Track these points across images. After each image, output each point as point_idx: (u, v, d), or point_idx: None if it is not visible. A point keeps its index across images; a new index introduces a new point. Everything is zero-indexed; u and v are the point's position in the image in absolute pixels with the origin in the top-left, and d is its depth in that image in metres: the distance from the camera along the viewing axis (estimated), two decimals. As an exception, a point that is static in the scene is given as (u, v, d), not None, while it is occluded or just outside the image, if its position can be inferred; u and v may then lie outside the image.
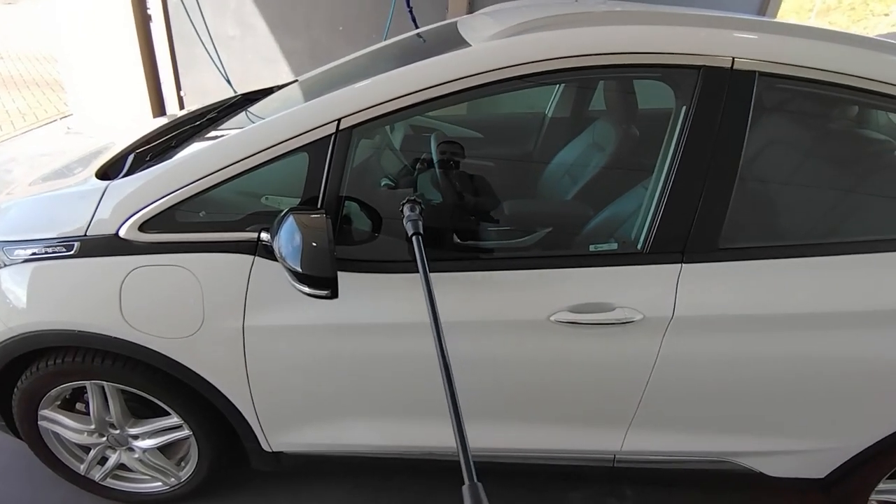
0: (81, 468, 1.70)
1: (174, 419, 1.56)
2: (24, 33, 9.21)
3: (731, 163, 1.27)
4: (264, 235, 1.30)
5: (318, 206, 1.30)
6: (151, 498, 1.77)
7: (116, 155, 1.69)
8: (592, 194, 1.77)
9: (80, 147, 2.13)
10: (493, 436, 1.52)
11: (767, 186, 1.48)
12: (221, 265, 1.33)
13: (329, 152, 1.29)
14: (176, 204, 1.32)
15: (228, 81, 3.98)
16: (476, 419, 1.43)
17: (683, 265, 1.31)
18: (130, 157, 1.62)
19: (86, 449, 1.69)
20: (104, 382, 1.49)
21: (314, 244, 1.14)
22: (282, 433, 1.55)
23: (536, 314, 1.32)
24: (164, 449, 1.68)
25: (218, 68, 3.98)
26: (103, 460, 1.71)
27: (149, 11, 4.18)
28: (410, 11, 3.33)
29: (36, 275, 1.38)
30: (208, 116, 1.93)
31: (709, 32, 1.30)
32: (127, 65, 4.33)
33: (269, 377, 1.42)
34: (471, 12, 2.68)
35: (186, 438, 1.60)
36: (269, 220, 1.26)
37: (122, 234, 1.33)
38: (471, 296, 1.34)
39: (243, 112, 1.86)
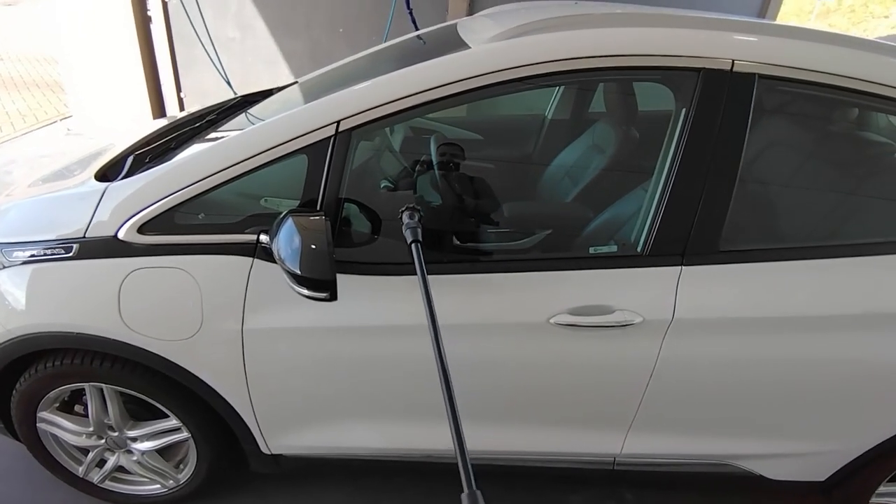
0: (80, 470, 1.70)
1: (173, 421, 1.55)
2: (25, 35, 9.22)
3: (731, 165, 1.27)
4: (263, 237, 1.30)
5: (318, 208, 1.30)
6: (150, 500, 1.76)
7: (116, 157, 1.69)
8: (592, 196, 1.77)
9: (79, 148, 2.13)
10: (492, 438, 1.52)
11: (768, 189, 1.48)
12: (220, 267, 1.32)
13: (328, 154, 1.28)
14: (175, 206, 1.32)
15: (228, 83, 3.98)
16: (475, 422, 1.43)
17: (683, 267, 1.31)
18: (130, 159, 1.62)
19: (84, 451, 1.69)
20: (103, 385, 1.49)
21: (313, 246, 1.14)
22: (281, 435, 1.54)
23: (536, 317, 1.32)
24: (162, 451, 1.67)
25: (218, 70, 3.98)
26: (102, 462, 1.71)
27: (149, 13, 4.19)
28: (410, 13, 3.34)
29: (35, 277, 1.38)
30: (208, 118, 1.93)
31: (709, 35, 1.30)
32: (127, 66, 4.34)
33: (268, 379, 1.42)
34: (471, 14, 2.68)
35: (185, 441, 1.60)
36: (269, 223, 1.26)
37: (121, 235, 1.33)
38: (470, 298, 1.34)
39: (243, 114, 1.86)
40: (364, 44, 2.49)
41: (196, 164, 1.34)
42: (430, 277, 1.16)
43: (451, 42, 1.55)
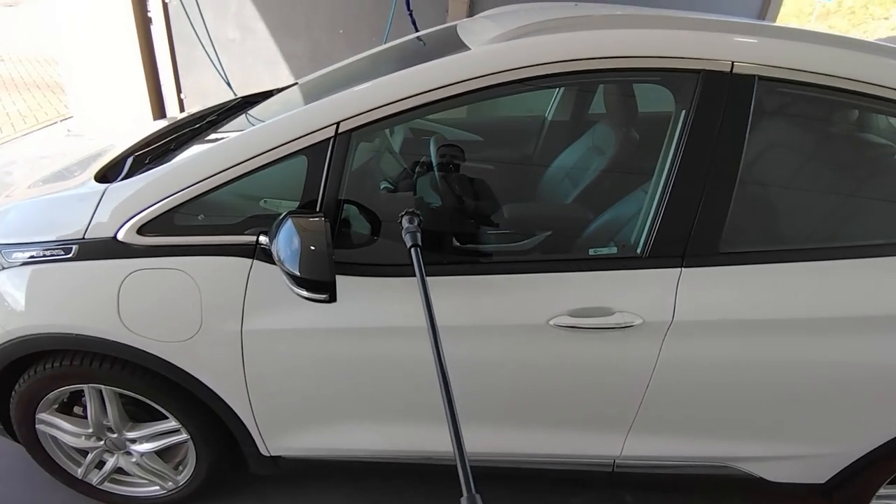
0: (79, 472, 1.70)
1: (172, 423, 1.55)
2: (25, 35, 9.22)
3: (731, 167, 1.27)
4: (263, 239, 1.30)
5: (317, 209, 1.30)
6: (149, 502, 1.76)
7: (115, 158, 1.69)
8: (592, 198, 1.77)
9: (80, 149, 2.13)
10: (492, 440, 1.51)
11: (768, 190, 1.48)
12: (220, 268, 1.32)
13: (328, 155, 1.28)
14: (174, 207, 1.32)
15: (229, 84, 3.98)
16: (475, 424, 1.43)
17: (683, 269, 1.30)
18: (129, 160, 1.62)
19: (83, 453, 1.68)
20: (102, 386, 1.49)
21: (312, 248, 1.14)
22: (280, 437, 1.54)
23: (536, 318, 1.32)
24: (161, 453, 1.67)
25: (218, 71, 3.98)
26: (101, 464, 1.70)
27: (149, 14, 4.19)
28: (410, 14, 3.34)
29: (34, 278, 1.38)
30: (207, 119, 1.93)
31: (708, 36, 1.30)
32: (127, 67, 4.34)
33: (268, 381, 1.42)
34: (471, 15, 2.68)
35: (184, 442, 1.60)
36: (268, 224, 1.26)
37: (120, 237, 1.33)
38: (470, 299, 1.34)
39: (243, 115, 1.86)
40: (364, 45, 2.49)
41: (196, 165, 1.34)
42: (429, 279, 1.16)
43: (451, 43, 1.55)
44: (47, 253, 1.36)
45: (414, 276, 1.18)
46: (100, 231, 1.34)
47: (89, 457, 1.67)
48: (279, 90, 2.14)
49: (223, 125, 1.82)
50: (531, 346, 1.35)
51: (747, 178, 1.34)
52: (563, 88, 2.30)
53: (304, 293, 1.18)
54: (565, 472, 1.60)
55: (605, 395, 1.42)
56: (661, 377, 1.36)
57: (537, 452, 1.56)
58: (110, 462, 1.68)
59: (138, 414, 1.60)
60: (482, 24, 1.66)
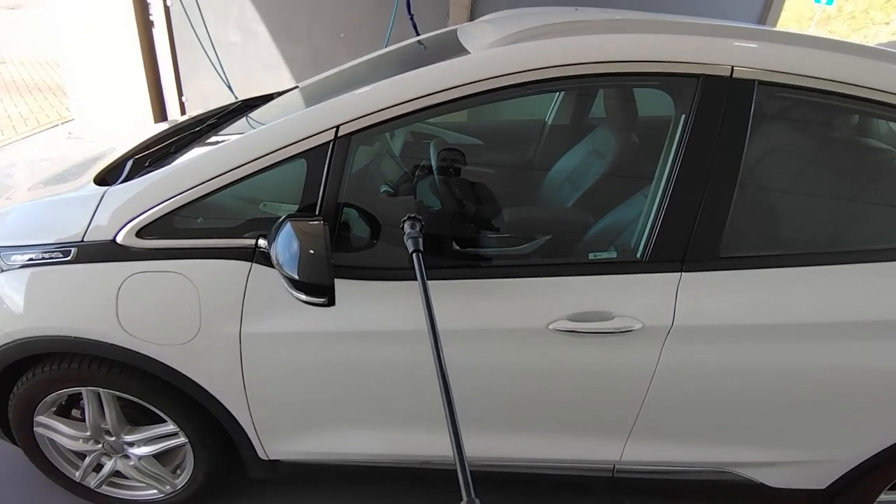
0: (77, 475, 1.69)
1: (170, 426, 1.54)
2: (28, 38, 9.26)
3: (731, 171, 1.27)
4: (262, 242, 1.30)
5: (316, 212, 1.29)
6: (147, 505, 1.75)
7: (115, 160, 1.69)
8: (592, 202, 1.77)
9: (81, 152, 2.13)
10: (491, 445, 1.51)
11: (768, 195, 1.48)
12: (219, 272, 1.32)
13: (327, 159, 1.28)
14: (173, 210, 1.32)
15: (230, 88, 3.99)
16: (474, 428, 1.42)
17: (683, 274, 1.30)
18: (129, 163, 1.62)
19: (81, 456, 1.68)
20: (100, 389, 1.49)
21: (311, 251, 1.14)
22: (278, 441, 1.53)
23: (535, 322, 1.32)
24: (159, 456, 1.66)
25: (219, 74, 3.99)
26: (99, 467, 1.70)
27: (151, 17, 4.21)
28: (411, 19, 3.35)
29: (33, 280, 1.38)
30: (208, 122, 1.94)
31: (708, 41, 1.30)
32: (129, 70, 4.36)
33: (266, 384, 1.42)
34: (471, 19, 2.69)
35: (182, 446, 1.59)
36: (267, 227, 1.26)
37: (119, 239, 1.32)
38: (469, 303, 1.33)
39: (243, 118, 1.86)
40: (365, 49, 2.49)
41: (195, 168, 1.34)
42: (429, 283, 1.16)
43: (451, 47, 1.55)
44: (46, 255, 1.36)
45: (413, 279, 1.17)
46: (99, 234, 1.34)
47: (87, 460, 1.66)
48: (280, 93, 2.14)
49: (223, 128, 1.82)
50: (531, 351, 1.35)
51: (747, 183, 1.34)
52: (563, 93, 2.30)
53: (303, 297, 1.18)
54: (565, 478, 1.60)
55: (604, 399, 1.42)
56: (660, 382, 1.36)
57: (537, 457, 1.55)
58: (108, 465, 1.68)
59: (136, 417, 1.59)
60: (482, 29, 1.66)
